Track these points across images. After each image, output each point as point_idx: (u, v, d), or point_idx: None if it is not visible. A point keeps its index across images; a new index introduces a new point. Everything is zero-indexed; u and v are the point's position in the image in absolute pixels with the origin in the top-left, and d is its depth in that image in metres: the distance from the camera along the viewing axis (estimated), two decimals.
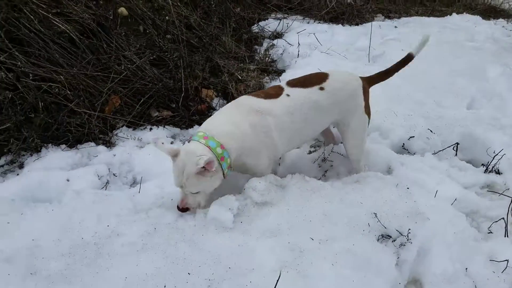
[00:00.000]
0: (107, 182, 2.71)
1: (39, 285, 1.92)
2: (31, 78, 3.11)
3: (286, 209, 2.42)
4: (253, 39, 5.12)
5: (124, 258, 2.08)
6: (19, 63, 3.11)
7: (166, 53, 3.98)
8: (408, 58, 2.90)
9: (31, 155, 2.88)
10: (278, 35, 5.25)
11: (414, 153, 3.20)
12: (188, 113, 3.46)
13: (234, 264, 2.07)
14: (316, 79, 2.66)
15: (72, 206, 2.43)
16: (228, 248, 2.15)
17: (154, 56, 3.87)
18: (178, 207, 2.34)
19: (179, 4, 4.87)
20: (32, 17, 3.48)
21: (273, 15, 6.09)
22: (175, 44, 4.09)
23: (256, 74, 4.02)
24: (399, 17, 6.36)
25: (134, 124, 3.29)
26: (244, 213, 2.37)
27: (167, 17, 4.56)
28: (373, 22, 5.81)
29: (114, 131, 3.20)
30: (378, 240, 2.29)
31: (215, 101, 3.70)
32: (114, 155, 2.93)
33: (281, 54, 4.59)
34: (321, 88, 2.61)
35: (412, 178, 2.81)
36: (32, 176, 2.65)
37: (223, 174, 2.36)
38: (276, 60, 4.56)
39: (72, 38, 3.55)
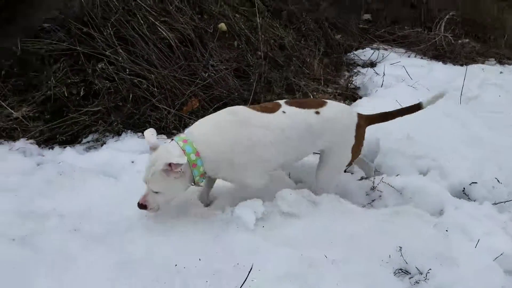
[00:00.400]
0: None
1: (77, 241, 2.27)
2: (127, 72, 3.61)
3: (311, 225, 2.50)
4: (344, 64, 5.20)
5: (149, 237, 2.34)
6: (120, 58, 3.64)
7: (251, 67, 4.28)
8: (415, 107, 2.90)
9: (113, 136, 3.35)
10: (370, 64, 5.26)
11: (474, 200, 3.00)
12: None
13: (243, 261, 2.20)
14: (314, 104, 2.71)
15: (128, 184, 2.78)
16: (242, 247, 2.30)
17: (237, 66, 4.17)
18: (138, 202, 2.36)
19: (278, 25, 5.18)
20: (142, 22, 4.05)
21: (374, 45, 6.10)
22: (262, 60, 4.37)
23: (332, 97, 4.11)
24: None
25: None
26: (268, 219, 2.49)
27: (262, 36, 4.89)
28: (478, 65, 5.50)
29: (186, 128, 3.54)
30: (394, 273, 2.25)
31: None
32: None
33: (366, 82, 4.61)
34: (317, 112, 2.63)
35: (460, 223, 2.65)
36: (107, 153, 3.10)
37: (194, 180, 2.40)
38: (358, 87, 4.60)
39: (170, 44, 4.03)
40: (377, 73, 4.73)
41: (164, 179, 2.28)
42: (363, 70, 5.07)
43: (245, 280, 2.04)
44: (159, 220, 2.45)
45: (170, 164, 2.23)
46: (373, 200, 2.99)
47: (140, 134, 3.38)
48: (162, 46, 3.99)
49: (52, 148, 3.25)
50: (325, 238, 2.41)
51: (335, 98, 4.20)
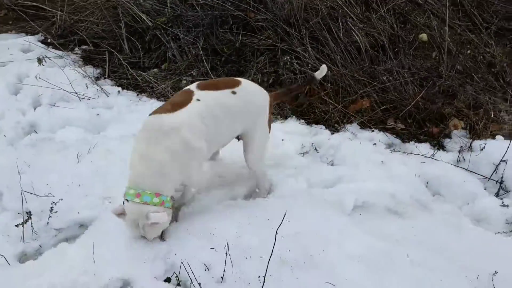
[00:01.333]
0: (306, 152, 3.38)
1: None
2: (309, 67, 4.09)
3: (412, 226, 2.53)
4: None
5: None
6: (307, 55, 4.15)
7: (441, 79, 4.14)
8: (310, 81, 3.07)
9: (281, 119, 3.88)
10: None
11: None
12: (417, 131, 3.64)
13: (326, 236, 2.39)
14: (229, 83, 2.64)
15: (273, 153, 3.26)
16: (331, 225, 2.49)
17: (425, 76, 4.12)
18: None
19: (493, 43, 4.75)
20: (341, 26, 4.46)
21: None
22: (454, 73, 4.17)
23: None
24: None
25: (365, 125, 3.76)
26: (369, 209, 2.63)
27: (468, 51, 4.61)
28: None
29: (347, 124, 3.78)
30: None
31: (457, 132, 3.63)
32: (329, 139, 3.53)
33: None
34: (233, 92, 2.56)
35: None
36: None
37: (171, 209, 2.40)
38: None
39: (360, 48, 4.31)
40: None
41: (156, 226, 2.32)
42: None
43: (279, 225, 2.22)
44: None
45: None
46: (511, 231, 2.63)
47: (302, 121, 3.81)
48: (351, 48, 4.31)
49: None
50: (418, 242, 2.37)
51: None
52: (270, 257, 2.08)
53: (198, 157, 2.47)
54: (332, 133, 3.66)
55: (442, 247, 2.31)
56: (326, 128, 3.74)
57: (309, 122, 3.82)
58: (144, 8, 5.36)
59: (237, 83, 2.64)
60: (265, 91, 2.81)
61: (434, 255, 2.26)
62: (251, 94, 2.67)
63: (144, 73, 4.63)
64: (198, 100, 2.46)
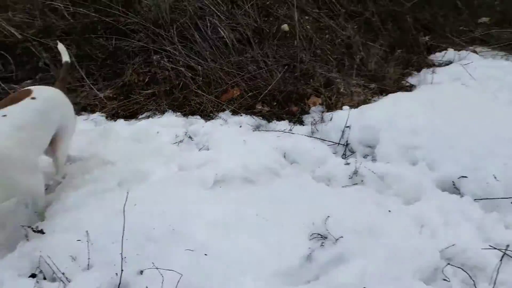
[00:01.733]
0: (181, 141, 3.60)
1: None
2: (180, 64, 4.33)
3: (262, 190, 2.82)
4: (415, 64, 5.04)
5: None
6: (177, 53, 4.38)
7: (302, 64, 4.58)
8: (65, 67, 3.24)
9: (159, 114, 4.06)
10: (446, 65, 4.99)
11: (462, 196, 2.83)
12: (280, 111, 4.03)
13: (189, 208, 2.63)
14: (23, 94, 2.67)
15: (146, 145, 3.46)
16: (194, 199, 2.72)
17: (288, 62, 4.53)
18: None
19: (349, 26, 5.32)
20: (209, 24, 4.75)
21: (470, 48, 5.69)
22: (312, 55, 4.65)
23: (362, 90, 4.17)
24: None
25: (236, 112, 4.08)
26: (230, 182, 2.88)
27: (326, 36, 5.13)
28: None
29: (220, 113, 4.07)
30: (310, 235, 2.41)
31: (315, 108, 4.08)
32: (203, 127, 3.79)
33: (421, 80, 4.48)
34: (33, 98, 2.63)
35: (419, 211, 2.60)
36: (142, 125, 3.81)
37: None
38: (413, 85, 4.48)
39: (226, 42, 4.63)
40: (434, 72, 4.53)
41: None
42: (437, 70, 4.85)
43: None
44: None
45: None
46: (354, 184, 3.06)
47: (179, 114, 4.03)
48: (219, 44, 4.61)
49: (115, 120, 4.12)
50: (267, 202, 2.69)
51: (375, 94, 4.25)
52: (122, 235, 2.25)
53: (22, 166, 2.44)
54: (206, 122, 3.92)
55: (287, 204, 2.66)
56: (201, 118, 3.99)
57: (185, 114, 4.04)
58: (14, 22, 5.26)
59: (30, 91, 2.69)
60: (52, 87, 2.92)
61: (280, 211, 2.59)
62: (47, 94, 2.78)
63: (16, 86, 4.56)
64: (5, 115, 2.46)
